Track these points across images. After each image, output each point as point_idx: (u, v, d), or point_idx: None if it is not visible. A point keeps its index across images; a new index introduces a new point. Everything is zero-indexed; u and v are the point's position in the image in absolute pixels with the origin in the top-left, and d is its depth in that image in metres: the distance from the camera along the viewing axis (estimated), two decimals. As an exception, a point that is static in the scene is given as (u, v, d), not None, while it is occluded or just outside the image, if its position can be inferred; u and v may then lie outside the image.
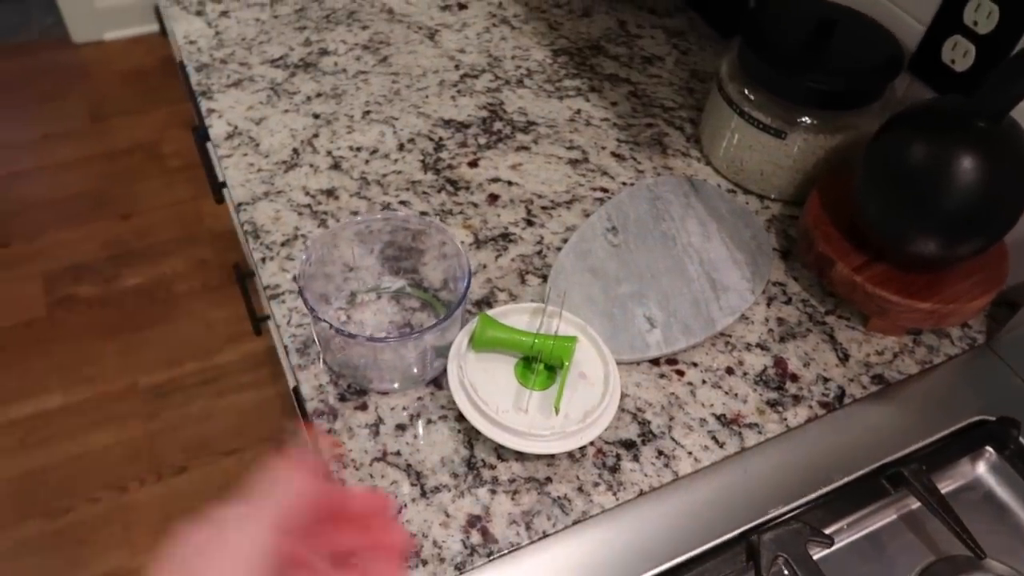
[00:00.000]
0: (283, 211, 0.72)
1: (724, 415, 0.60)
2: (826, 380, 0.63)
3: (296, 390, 0.62)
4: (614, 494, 0.55)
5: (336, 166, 0.77)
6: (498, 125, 0.83)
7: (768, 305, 0.68)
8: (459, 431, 0.57)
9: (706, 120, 0.80)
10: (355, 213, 0.72)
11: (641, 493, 0.55)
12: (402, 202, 0.74)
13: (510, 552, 0.52)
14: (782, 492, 0.56)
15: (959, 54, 0.68)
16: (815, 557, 0.53)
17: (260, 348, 1.64)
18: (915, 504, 0.58)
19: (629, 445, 0.57)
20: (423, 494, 0.54)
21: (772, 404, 0.61)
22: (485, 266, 0.69)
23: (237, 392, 1.57)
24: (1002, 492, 0.60)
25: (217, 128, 0.80)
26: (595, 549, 0.52)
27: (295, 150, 0.78)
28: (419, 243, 0.62)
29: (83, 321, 1.67)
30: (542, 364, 0.57)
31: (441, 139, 0.81)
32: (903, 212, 0.60)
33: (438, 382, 0.60)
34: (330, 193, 0.74)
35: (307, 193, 0.74)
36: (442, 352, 0.58)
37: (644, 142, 0.82)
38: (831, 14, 0.73)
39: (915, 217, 0.59)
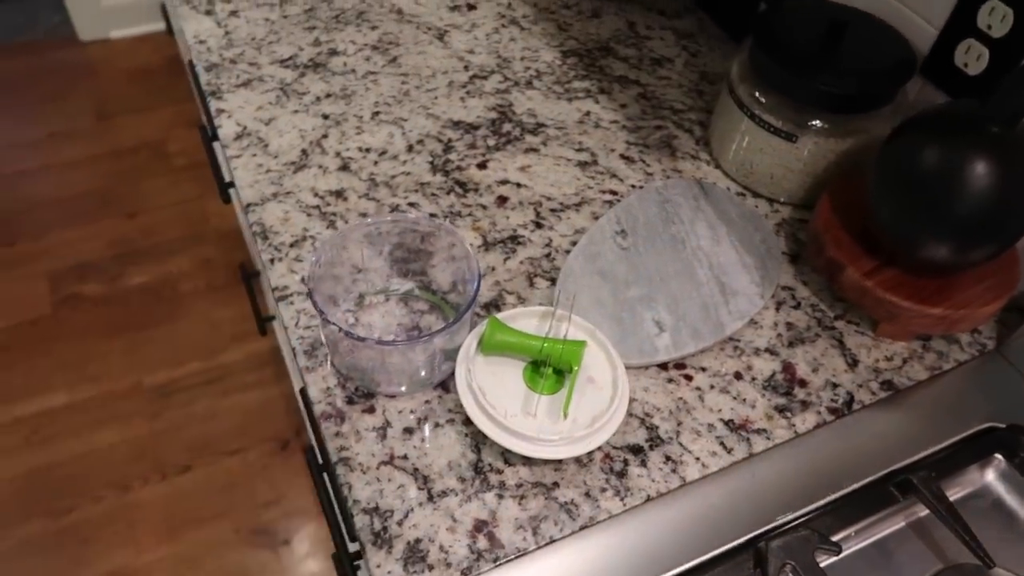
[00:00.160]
0: (292, 212, 0.72)
1: (732, 420, 0.60)
2: (835, 386, 0.62)
3: (304, 392, 0.61)
4: (621, 500, 0.54)
5: (345, 167, 0.77)
6: (507, 127, 0.82)
7: (777, 309, 0.67)
8: (466, 435, 0.57)
9: (716, 123, 0.80)
10: (364, 215, 0.72)
11: (648, 499, 0.55)
12: (411, 204, 0.74)
13: (517, 557, 0.51)
14: (790, 499, 0.56)
15: (972, 58, 0.67)
16: (823, 564, 0.52)
17: (264, 348, 1.64)
18: (923, 511, 0.58)
19: (637, 450, 0.57)
20: (430, 498, 0.54)
21: (780, 410, 0.61)
22: (494, 268, 0.69)
23: (241, 392, 1.57)
24: (1011, 500, 0.60)
25: (226, 128, 0.80)
26: (602, 555, 0.52)
27: (304, 151, 0.78)
28: (428, 245, 0.62)
29: (88, 320, 1.68)
30: (551, 368, 0.57)
31: (450, 140, 0.80)
32: (915, 217, 0.59)
33: (446, 385, 0.60)
34: (339, 194, 0.74)
35: (316, 194, 0.74)
36: (450, 355, 0.57)
37: (653, 144, 0.82)
38: (842, 16, 0.73)
39: (928, 222, 0.59)
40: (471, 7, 0.98)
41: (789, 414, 0.60)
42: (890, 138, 0.62)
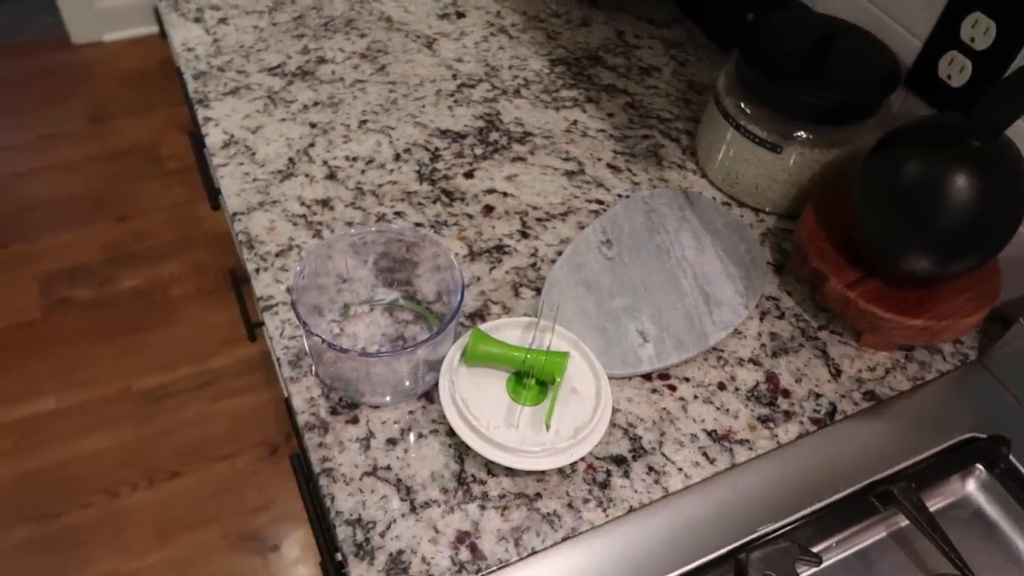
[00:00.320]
0: (278, 221, 0.72)
1: (715, 431, 0.60)
2: (818, 396, 0.63)
3: (288, 402, 0.61)
4: (604, 510, 0.55)
5: (332, 176, 0.77)
6: (494, 135, 0.83)
7: (761, 320, 0.68)
8: (450, 446, 0.57)
9: (702, 132, 0.80)
10: (350, 224, 0.72)
11: (631, 509, 0.55)
12: (397, 213, 0.74)
13: (499, 569, 0.52)
14: (772, 509, 0.56)
15: (955, 70, 0.68)
16: None
17: (255, 353, 1.63)
18: (904, 522, 0.58)
19: (620, 461, 0.57)
20: (412, 509, 0.54)
21: (763, 420, 0.61)
22: (479, 278, 0.69)
23: (232, 397, 1.57)
24: (991, 510, 0.60)
25: (213, 136, 0.80)
26: (584, 566, 0.52)
27: (291, 159, 0.78)
28: (413, 255, 0.62)
29: (78, 324, 1.67)
30: (534, 379, 0.57)
31: (437, 149, 0.81)
32: (898, 229, 0.60)
33: (430, 396, 0.60)
34: (325, 203, 0.74)
35: (302, 203, 0.74)
36: (434, 366, 0.58)
37: (640, 154, 0.82)
38: (828, 28, 0.73)
39: (910, 234, 0.59)
40: (460, 15, 0.99)
41: (772, 424, 0.61)
42: (873, 151, 0.62)
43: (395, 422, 0.58)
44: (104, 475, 1.45)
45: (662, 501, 0.56)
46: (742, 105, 0.73)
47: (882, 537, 0.58)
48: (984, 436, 0.61)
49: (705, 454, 0.58)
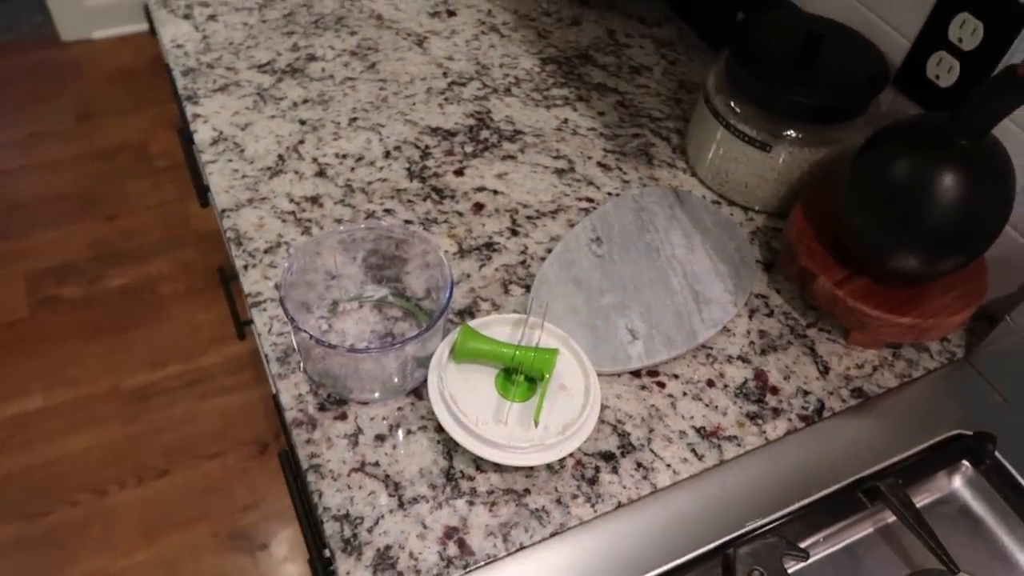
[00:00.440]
0: (267, 218, 0.72)
1: (704, 427, 0.60)
2: (806, 393, 0.63)
3: (276, 398, 0.61)
4: (592, 506, 0.55)
5: (321, 173, 0.77)
6: (485, 133, 0.83)
7: (750, 317, 0.68)
8: (438, 442, 0.57)
9: (692, 131, 0.81)
10: (339, 221, 0.72)
11: (619, 505, 0.55)
12: (387, 210, 0.74)
13: (487, 564, 0.52)
14: (760, 505, 0.56)
15: (943, 70, 0.68)
16: (791, 571, 0.53)
17: (244, 351, 1.63)
18: (891, 518, 0.58)
19: (608, 457, 0.58)
20: (401, 505, 0.54)
21: (752, 417, 0.61)
22: (469, 275, 0.69)
23: (220, 395, 1.57)
24: (977, 506, 0.60)
25: (202, 133, 0.80)
26: (572, 561, 0.52)
27: (280, 156, 0.78)
28: (402, 252, 0.62)
29: (66, 322, 1.66)
30: (523, 376, 0.57)
31: (427, 147, 0.81)
32: (886, 227, 0.60)
33: (419, 392, 0.60)
34: (314, 200, 0.74)
35: (291, 200, 0.74)
36: (423, 362, 0.58)
37: (630, 152, 0.82)
38: (818, 28, 0.74)
39: (897, 233, 0.59)
40: (451, 13, 0.99)
41: (760, 421, 0.61)
42: (861, 150, 0.63)
43: (384, 418, 0.58)
44: (91, 473, 1.44)
45: (650, 497, 0.56)
46: (732, 104, 0.74)
47: (869, 533, 0.58)
48: (970, 433, 0.61)
49: (694, 450, 0.59)
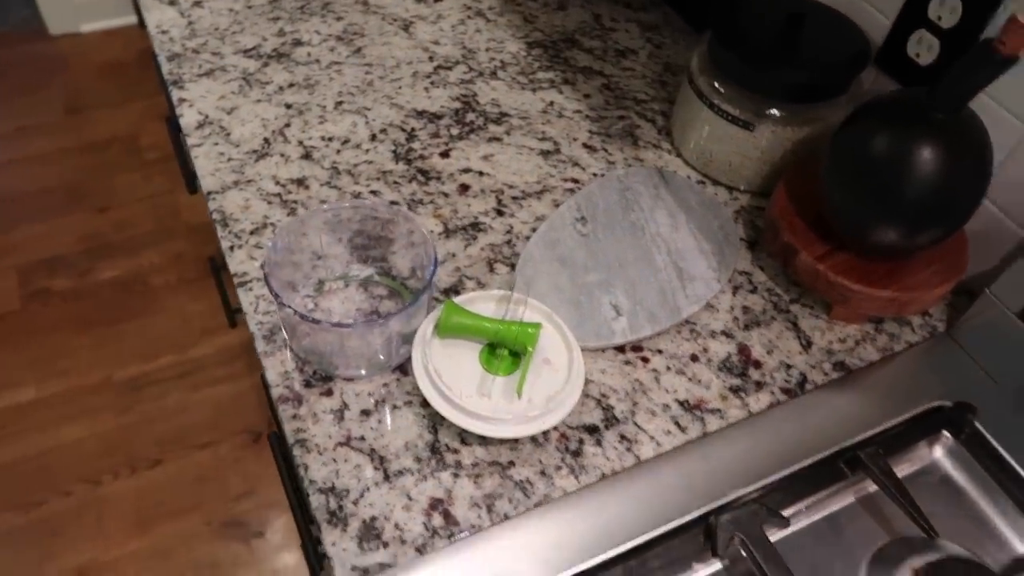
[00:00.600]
0: (252, 200, 0.72)
1: (687, 401, 0.61)
2: (788, 367, 0.64)
3: (263, 377, 0.62)
4: (576, 477, 0.55)
5: (307, 156, 0.77)
6: (471, 116, 0.83)
7: (734, 294, 0.69)
8: (424, 416, 0.58)
9: (677, 113, 0.81)
10: (324, 202, 0.72)
11: (603, 477, 0.56)
12: (373, 192, 0.74)
13: (472, 534, 0.52)
14: (743, 476, 0.57)
15: (924, 48, 0.69)
16: (774, 539, 0.54)
17: (235, 341, 1.63)
18: (872, 487, 0.59)
19: (592, 430, 0.58)
20: (386, 478, 0.54)
21: (735, 390, 0.62)
22: (454, 255, 0.69)
23: (212, 385, 1.57)
24: (957, 475, 0.61)
25: (188, 117, 0.80)
26: (556, 531, 0.53)
27: (266, 139, 0.78)
28: (388, 232, 0.63)
29: (58, 314, 1.66)
30: (506, 350, 0.58)
31: (413, 130, 0.81)
32: (864, 201, 0.60)
33: (404, 368, 0.60)
34: (300, 182, 0.74)
35: (277, 182, 0.74)
36: (408, 339, 0.58)
37: (616, 134, 0.83)
38: (800, 8, 0.74)
39: (876, 206, 0.60)
40: (437, -2, 0.99)
41: (743, 394, 0.62)
42: (842, 126, 0.63)
43: (369, 394, 0.59)
44: (85, 464, 1.45)
45: (634, 468, 0.57)
46: (715, 84, 0.74)
47: (850, 502, 0.59)
48: (950, 404, 0.62)
49: (677, 423, 0.59)
